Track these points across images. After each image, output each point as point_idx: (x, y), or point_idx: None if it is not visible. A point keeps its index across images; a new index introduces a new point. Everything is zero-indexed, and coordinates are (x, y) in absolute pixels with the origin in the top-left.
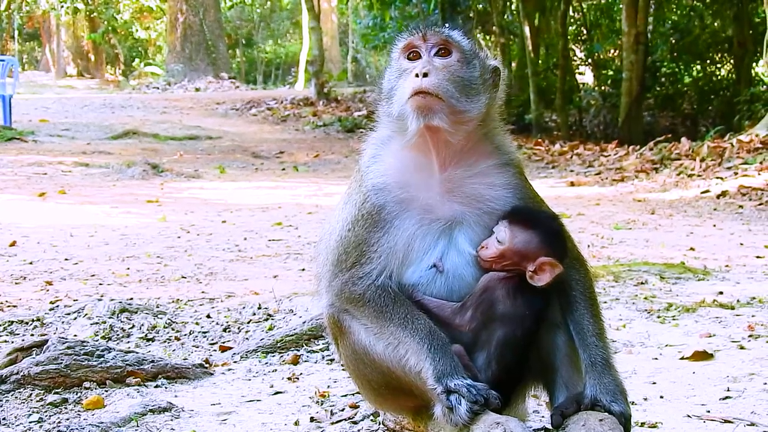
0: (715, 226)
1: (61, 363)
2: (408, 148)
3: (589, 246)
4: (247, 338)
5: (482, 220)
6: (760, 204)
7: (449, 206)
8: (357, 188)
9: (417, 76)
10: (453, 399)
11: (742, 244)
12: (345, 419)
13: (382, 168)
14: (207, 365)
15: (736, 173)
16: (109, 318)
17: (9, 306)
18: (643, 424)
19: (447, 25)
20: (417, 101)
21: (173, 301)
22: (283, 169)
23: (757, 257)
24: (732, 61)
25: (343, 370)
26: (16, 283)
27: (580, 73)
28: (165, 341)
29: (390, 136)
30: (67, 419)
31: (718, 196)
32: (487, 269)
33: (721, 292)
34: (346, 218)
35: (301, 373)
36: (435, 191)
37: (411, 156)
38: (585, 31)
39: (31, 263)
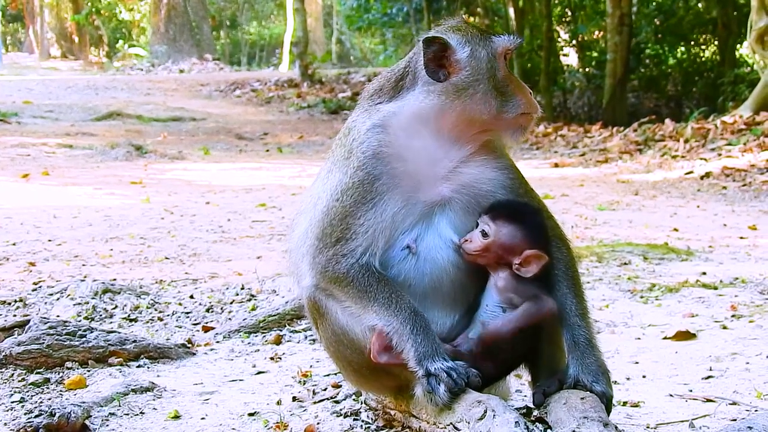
0: (698, 207)
1: (43, 343)
2: (422, 128)
3: (572, 227)
4: (229, 318)
5: (470, 207)
6: (743, 185)
7: (438, 190)
8: (346, 155)
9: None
10: (433, 382)
11: (725, 224)
12: (327, 398)
13: (387, 139)
14: (189, 345)
15: (719, 154)
16: (92, 298)
17: None
18: (625, 403)
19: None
20: (529, 122)
21: (156, 282)
22: (267, 151)
23: (741, 238)
24: (716, 42)
25: (324, 350)
26: None
27: (564, 55)
28: (148, 321)
29: (405, 110)
30: (49, 399)
31: (701, 177)
32: (471, 262)
33: (704, 273)
34: (334, 187)
35: (283, 353)
36: (430, 174)
37: (421, 136)
38: (569, 13)
39: (14, 244)
